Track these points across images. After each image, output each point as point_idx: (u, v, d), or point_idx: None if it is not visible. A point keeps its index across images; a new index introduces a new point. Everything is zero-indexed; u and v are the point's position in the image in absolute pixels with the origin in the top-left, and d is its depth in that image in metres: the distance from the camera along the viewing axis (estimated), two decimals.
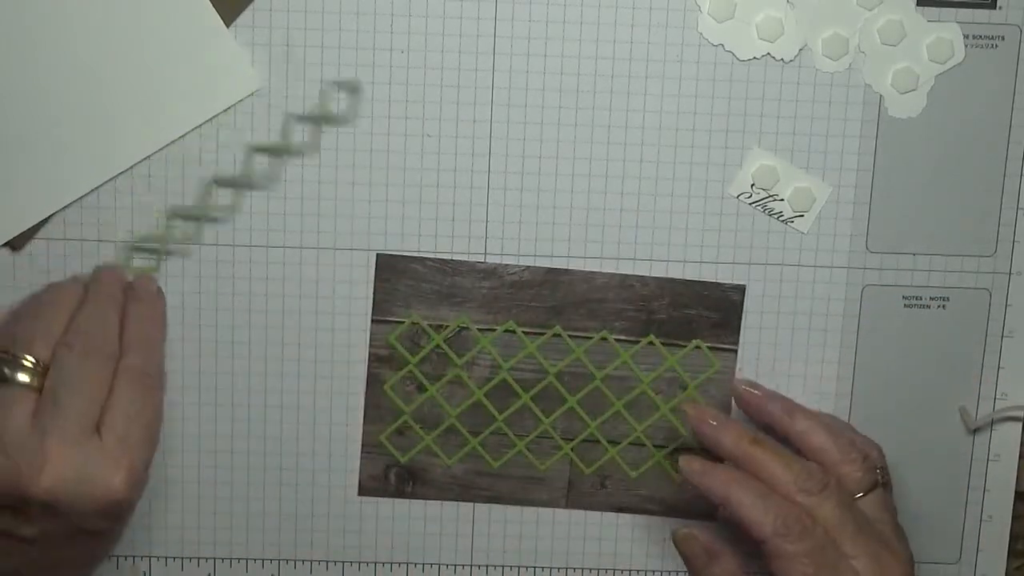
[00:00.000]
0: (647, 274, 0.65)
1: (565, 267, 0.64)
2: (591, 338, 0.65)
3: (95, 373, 0.56)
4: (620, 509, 0.67)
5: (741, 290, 0.65)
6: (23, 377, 0.56)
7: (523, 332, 0.65)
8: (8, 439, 0.55)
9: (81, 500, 0.55)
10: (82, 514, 0.55)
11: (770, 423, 0.63)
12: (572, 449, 0.66)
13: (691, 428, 0.62)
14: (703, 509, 0.67)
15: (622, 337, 0.65)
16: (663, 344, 0.65)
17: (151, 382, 0.58)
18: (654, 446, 0.66)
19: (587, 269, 0.64)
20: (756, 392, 0.64)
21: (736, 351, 0.65)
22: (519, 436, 0.66)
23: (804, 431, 0.61)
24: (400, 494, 0.66)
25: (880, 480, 0.61)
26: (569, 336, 0.65)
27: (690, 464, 0.60)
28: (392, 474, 0.66)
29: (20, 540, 0.56)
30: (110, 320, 0.59)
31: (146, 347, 0.59)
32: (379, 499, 0.66)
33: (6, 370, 0.56)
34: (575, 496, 0.67)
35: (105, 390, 0.57)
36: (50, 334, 0.57)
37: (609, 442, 0.66)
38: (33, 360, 0.56)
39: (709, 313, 0.65)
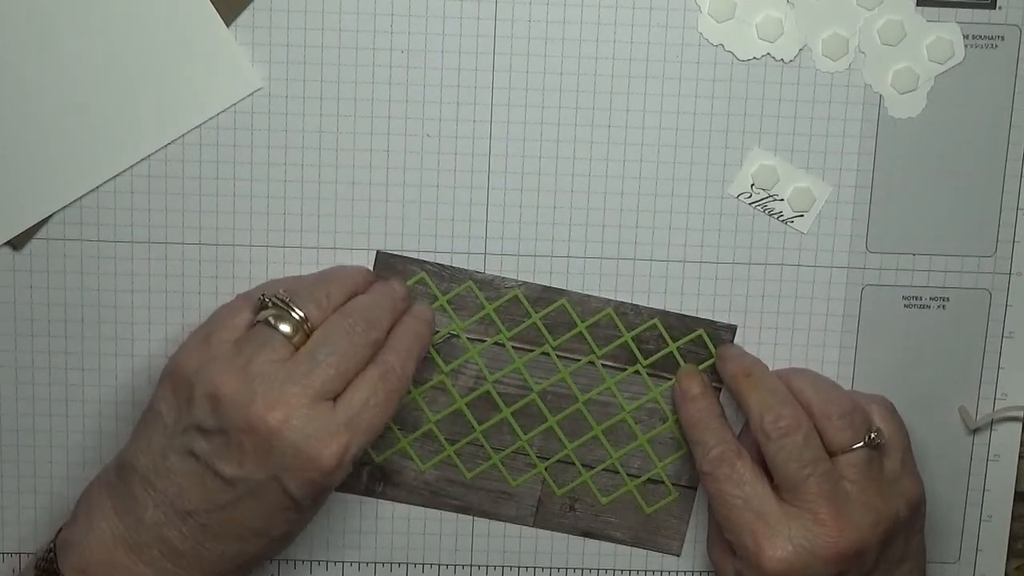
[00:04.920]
0: (644, 302, 0.65)
1: (563, 284, 0.65)
2: (579, 361, 0.65)
3: (356, 350, 0.58)
4: (586, 533, 0.67)
5: (732, 329, 0.65)
6: (285, 327, 0.58)
7: (512, 347, 0.65)
8: (255, 370, 0.56)
9: (293, 453, 0.56)
10: (287, 469, 0.56)
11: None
12: (546, 468, 0.66)
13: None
14: (669, 544, 0.67)
15: (609, 363, 0.65)
16: (649, 375, 0.65)
17: (398, 385, 0.59)
18: (628, 475, 0.66)
19: (584, 290, 0.65)
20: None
21: None
22: (495, 449, 0.66)
23: (796, 388, 0.63)
24: (370, 493, 0.66)
25: (868, 441, 0.61)
26: (557, 356, 0.65)
27: (681, 380, 0.65)
28: (364, 472, 0.66)
29: (217, 475, 0.56)
30: (385, 315, 0.60)
31: (406, 354, 0.60)
32: (379, 500, 0.66)
33: (271, 317, 0.58)
34: (543, 515, 0.67)
35: (357, 369, 0.58)
36: (325, 302, 0.59)
37: (583, 466, 0.66)
38: (300, 316, 0.58)
39: (698, 350, 0.65)
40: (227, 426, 0.56)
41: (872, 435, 0.61)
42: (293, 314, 0.58)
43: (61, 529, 0.60)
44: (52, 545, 0.59)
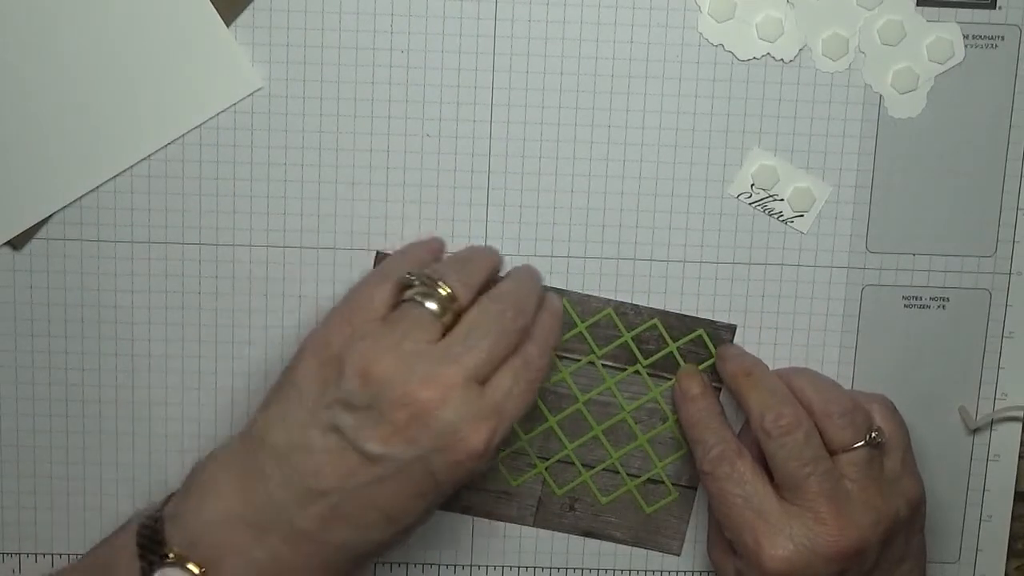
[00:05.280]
0: (644, 302, 0.65)
1: (563, 284, 0.64)
2: (579, 361, 0.65)
3: (507, 336, 0.57)
4: (587, 533, 0.67)
5: (732, 329, 0.65)
6: (432, 305, 0.57)
7: None
8: (409, 348, 0.55)
9: (447, 433, 0.54)
10: (437, 450, 0.55)
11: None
12: (546, 468, 0.66)
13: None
14: (669, 543, 0.67)
15: (609, 363, 0.65)
16: (649, 375, 0.65)
17: (537, 376, 0.58)
18: (628, 475, 0.66)
19: (584, 290, 0.65)
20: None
21: None
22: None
23: (796, 387, 0.63)
24: None
25: (869, 440, 0.61)
26: (557, 356, 0.65)
27: (681, 380, 0.65)
28: None
29: (361, 453, 0.55)
30: (533, 303, 0.59)
31: (544, 346, 0.59)
32: None
33: (418, 296, 0.57)
34: (543, 515, 0.67)
35: (506, 356, 0.57)
36: (471, 280, 0.58)
37: (583, 465, 0.66)
38: (447, 292, 0.57)
39: (698, 350, 0.65)
40: (379, 402, 0.54)
41: (873, 434, 0.61)
42: (440, 291, 0.57)
43: (168, 500, 0.58)
44: (159, 515, 0.57)
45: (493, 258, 0.62)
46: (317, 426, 0.55)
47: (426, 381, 0.54)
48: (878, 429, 0.62)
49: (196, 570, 0.55)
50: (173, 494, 0.58)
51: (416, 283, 0.57)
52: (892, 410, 0.63)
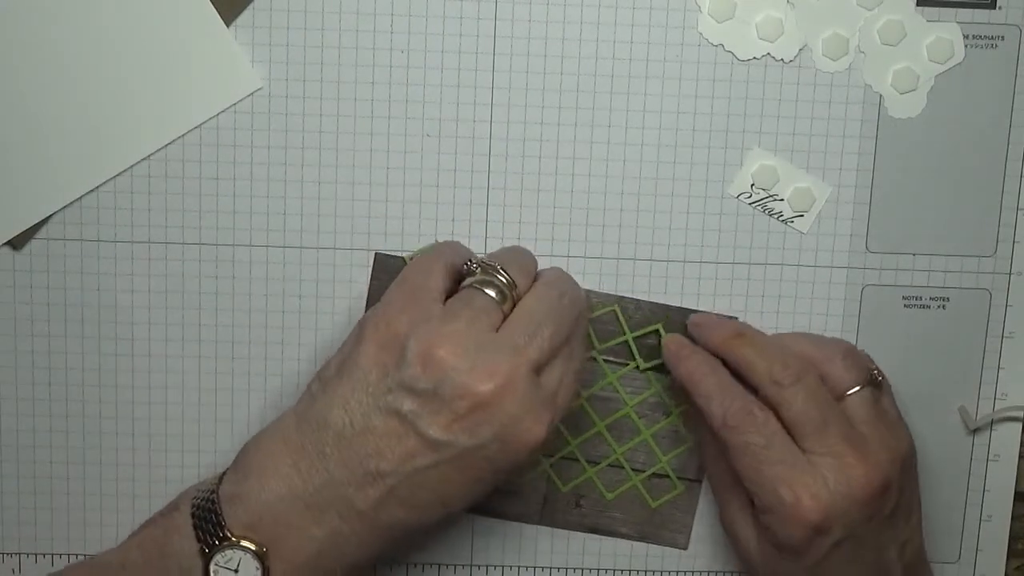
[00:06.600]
0: (644, 297, 0.65)
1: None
2: None
3: (565, 323, 0.57)
4: (593, 530, 0.67)
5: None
6: (491, 292, 0.57)
7: None
8: (472, 336, 0.55)
9: (509, 424, 0.55)
10: (497, 440, 0.55)
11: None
12: (551, 466, 0.66)
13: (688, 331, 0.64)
14: (675, 538, 0.67)
15: (610, 358, 0.65)
16: (651, 370, 0.65)
17: (579, 367, 0.58)
18: (632, 470, 0.66)
19: (584, 285, 0.65)
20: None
21: None
22: None
23: (787, 343, 0.62)
24: None
25: (872, 379, 0.61)
26: None
27: (669, 344, 0.63)
28: None
29: (422, 437, 0.55)
30: (579, 288, 0.60)
31: (584, 348, 0.59)
32: None
33: (478, 283, 0.57)
34: (549, 512, 0.67)
35: (563, 343, 0.57)
36: (526, 269, 0.59)
37: (588, 462, 0.66)
38: (506, 279, 0.58)
39: None
40: (442, 389, 0.54)
41: (874, 372, 0.61)
42: (500, 278, 0.57)
43: (221, 481, 0.57)
44: (214, 496, 0.57)
45: (532, 256, 0.62)
46: (379, 409, 0.55)
47: (490, 372, 0.55)
48: (876, 368, 0.62)
49: (256, 550, 0.55)
50: (224, 473, 0.58)
51: (477, 271, 0.58)
52: (867, 355, 0.64)
